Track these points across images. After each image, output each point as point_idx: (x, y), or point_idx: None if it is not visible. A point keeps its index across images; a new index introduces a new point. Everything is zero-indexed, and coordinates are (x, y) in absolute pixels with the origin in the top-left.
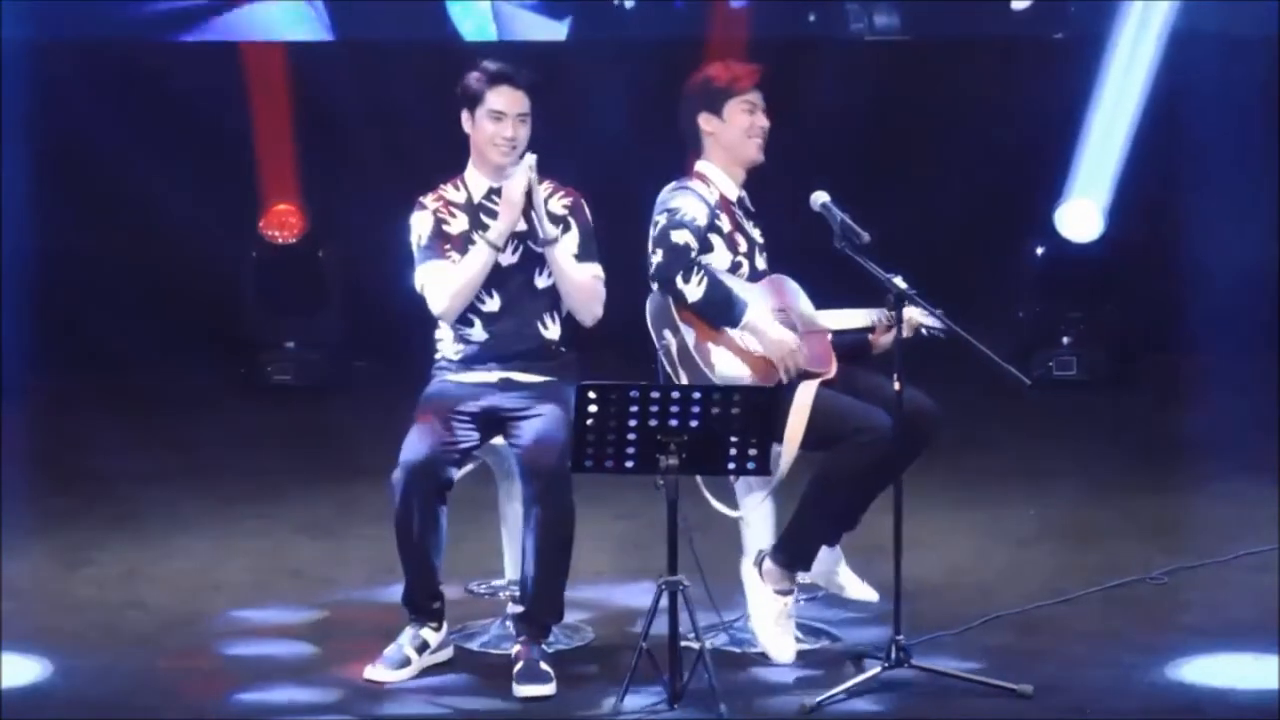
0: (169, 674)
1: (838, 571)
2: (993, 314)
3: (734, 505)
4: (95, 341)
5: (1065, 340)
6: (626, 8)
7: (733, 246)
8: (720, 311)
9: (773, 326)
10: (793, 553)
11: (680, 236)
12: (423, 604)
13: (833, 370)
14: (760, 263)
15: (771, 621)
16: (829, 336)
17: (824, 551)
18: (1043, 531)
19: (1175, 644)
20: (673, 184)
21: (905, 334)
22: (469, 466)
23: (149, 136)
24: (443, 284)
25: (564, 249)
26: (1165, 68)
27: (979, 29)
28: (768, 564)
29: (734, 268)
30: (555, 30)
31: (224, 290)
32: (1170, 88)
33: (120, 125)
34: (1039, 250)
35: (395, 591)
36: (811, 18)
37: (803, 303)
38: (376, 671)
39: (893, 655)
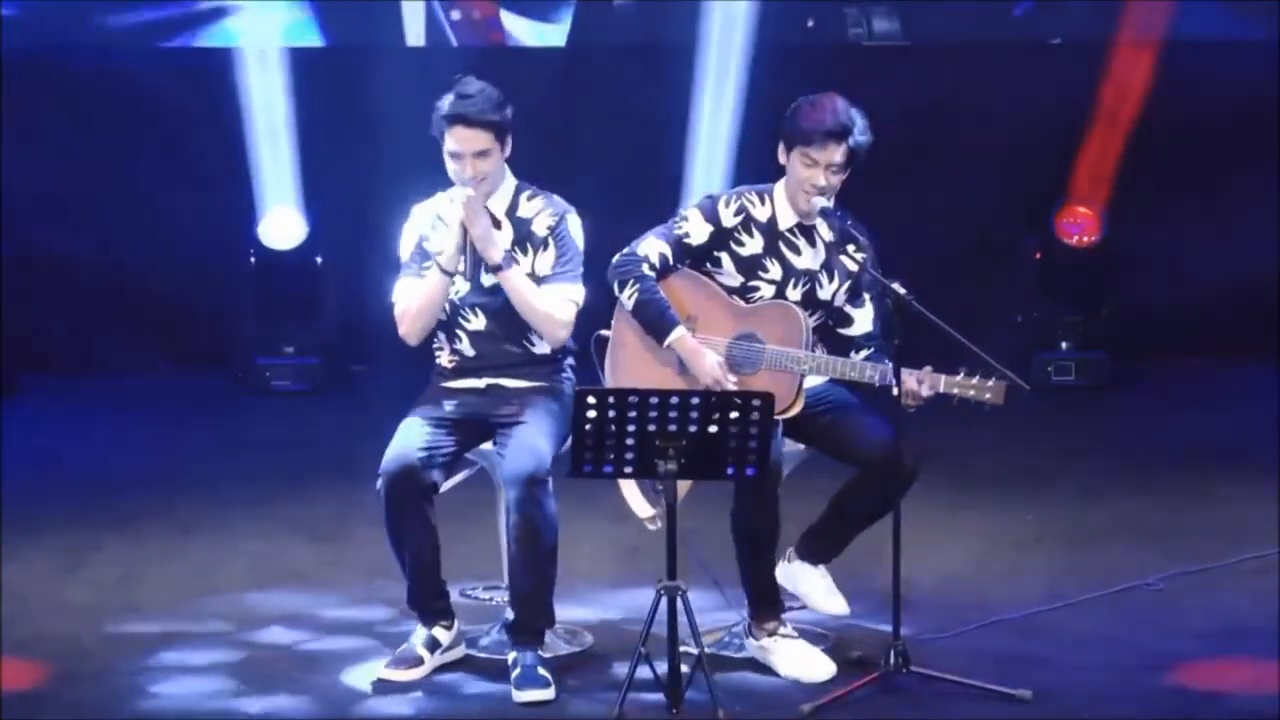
0: (166, 678)
1: (815, 582)
2: (991, 318)
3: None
4: (94, 344)
5: (1064, 345)
6: (621, 11)
7: (750, 269)
8: (649, 325)
9: (698, 354)
10: (760, 603)
11: (648, 247)
12: (426, 605)
13: (787, 413)
14: (794, 294)
15: (794, 657)
16: (799, 379)
17: (807, 568)
18: (1041, 536)
19: (1174, 648)
20: (734, 189)
21: (921, 393)
22: (465, 473)
23: (149, 141)
24: (405, 308)
25: (519, 274)
26: (1164, 71)
27: (977, 34)
28: (750, 624)
29: (747, 289)
30: (555, 35)
31: (222, 295)
32: (1169, 91)
33: (120, 130)
34: (1037, 254)
35: (394, 594)
36: (810, 23)
37: (788, 338)
38: (389, 671)
39: (892, 660)
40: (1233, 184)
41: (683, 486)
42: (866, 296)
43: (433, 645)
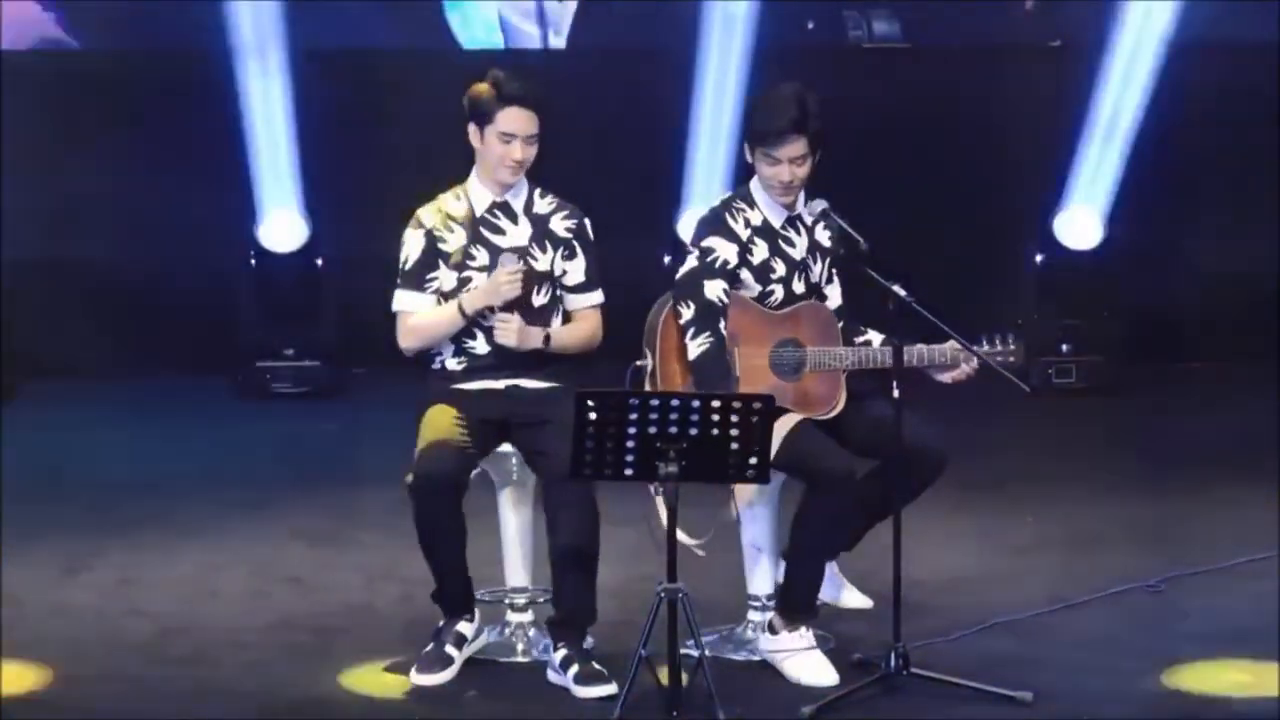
0: (166, 681)
1: (832, 581)
2: (992, 321)
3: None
4: (93, 348)
5: (1064, 348)
6: (622, 14)
7: (763, 275)
8: (702, 378)
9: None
10: (793, 604)
11: (711, 291)
12: (455, 599)
13: (833, 410)
14: (799, 286)
15: (801, 661)
16: (842, 376)
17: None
18: (1041, 538)
19: (1174, 651)
20: (720, 202)
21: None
22: (473, 472)
23: (149, 144)
24: (414, 327)
25: (560, 336)
26: (1164, 74)
27: (977, 36)
28: (775, 619)
29: (764, 296)
30: (555, 38)
31: (222, 298)
32: (1169, 94)
33: (119, 131)
34: (1038, 258)
35: (393, 598)
36: (810, 25)
37: (825, 337)
38: (422, 677)
39: (892, 663)
40: (1233, 187)
41: (744, 495)
42: (834, 272)
43: (459, 641)
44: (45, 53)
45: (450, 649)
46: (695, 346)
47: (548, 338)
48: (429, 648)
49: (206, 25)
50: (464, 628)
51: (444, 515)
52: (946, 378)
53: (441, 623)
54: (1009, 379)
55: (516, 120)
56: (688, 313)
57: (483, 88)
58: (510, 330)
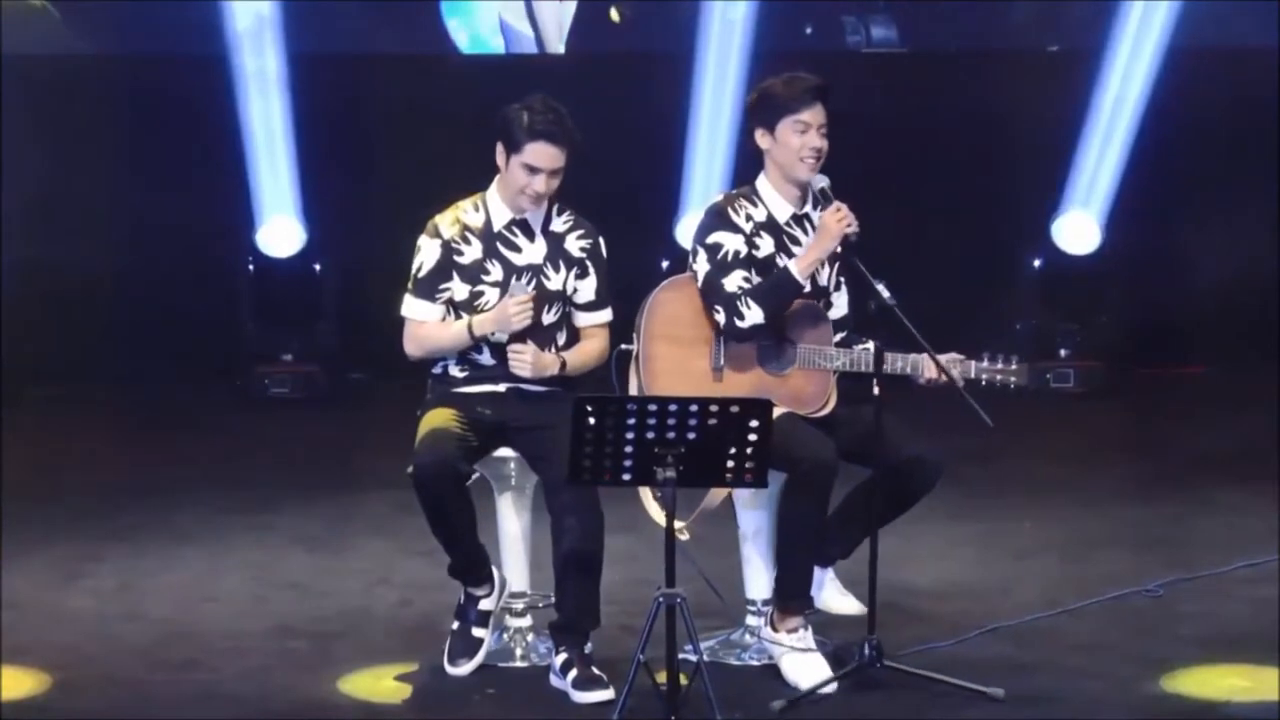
0: (166, 686)
1: (825, 587)
2: (990, 326)
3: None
4: (93, 354)
5: (1062, 352)
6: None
7: (768, 271)
8: (782, 299)
9: (819, 242)
10: (788, 595)
11: (732, 282)
12: (471, 573)
13: (823, 410)
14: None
15: (798, 660)
16: (832, 376)
17: (816, 571)
18: (1039, 543)
19: (1172, 656)
20: (720, 199)
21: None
22: (474, 475)
23: (148, 150)
24: (421, 337)
25: (574, 361)
26: (1162, 79)
27: (976, 42)
28: (774, 614)
29: None
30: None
31: (221, 303)
32: (1167, 99)
33: (118, 137)
34: (1036, 262)
35: (392, 603)
36: (808, 30)
37: (817, 336)
38: (457, 667)
39: (865, 654)
40: (1232, 192)
41: (717, 494)
42: (842, 280)
43: (483, 620)
44: (45, 57)
45: (477, 631)
46: (751, 315)
47: (563, 364)
48: (455, 628)
49: (205, 31)
50: (486, 604)
51: (447, 498)
52: (923, 380)
53: (463, 598)
54: (975, 408)
55: (543, 155)
56: (721, 317)
57: (517, 113)
58: (524, 363)
